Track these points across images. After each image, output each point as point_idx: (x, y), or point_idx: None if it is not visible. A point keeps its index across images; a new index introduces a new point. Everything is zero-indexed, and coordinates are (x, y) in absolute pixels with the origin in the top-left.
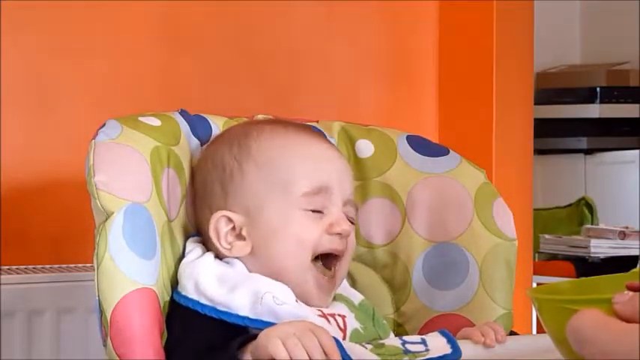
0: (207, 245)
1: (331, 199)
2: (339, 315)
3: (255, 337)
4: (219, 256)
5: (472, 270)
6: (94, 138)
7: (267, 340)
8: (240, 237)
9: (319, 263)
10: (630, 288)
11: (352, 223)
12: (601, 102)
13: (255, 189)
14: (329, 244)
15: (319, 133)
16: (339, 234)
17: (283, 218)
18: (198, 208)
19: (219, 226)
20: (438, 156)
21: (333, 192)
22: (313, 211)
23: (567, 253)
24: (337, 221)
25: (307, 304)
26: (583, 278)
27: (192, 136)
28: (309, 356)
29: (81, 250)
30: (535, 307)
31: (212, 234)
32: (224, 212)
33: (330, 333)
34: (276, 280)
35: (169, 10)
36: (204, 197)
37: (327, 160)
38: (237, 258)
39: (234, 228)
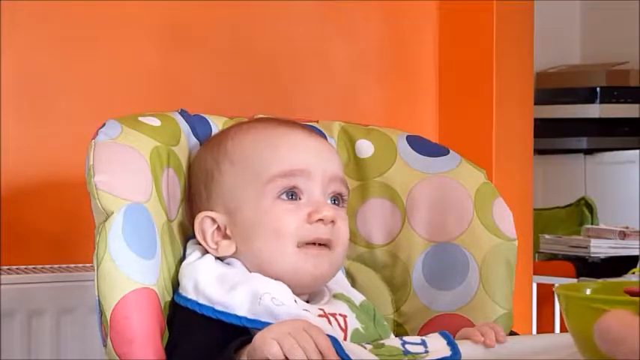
0: None
1: (309, 182)
2: (340, 315)
3: (252, 339)
4: (220, 258)
5: (472, 270)
6: (93, 138)
7: (263, 342)
8: (226, 236)
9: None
10: (629, 292)
11: (343, 198)
12: (601, 102)
13: (232, 186)
14: (313, 234)
15: (303, 125)
16: (321, 220)
17: (258, 212)
18: (193, 210)
19: (204, 227)
20: (438, 156)
21: (311, 173)
22: (288, 195)
23: (567, 253)
24: (317, 208)
25: (308, 291)
26: (609, 281)
27: (192, 136)
28: (306, 356)
29: (81, 250)
30: (561, 304)
31: (198, 235)
32: (207, 213)
33: (324, 332)
34: (270, 276)
35: (170, 10)
36: (193, 200)
37: (302, 144)
38: (236, 258)
39: (219, 228)
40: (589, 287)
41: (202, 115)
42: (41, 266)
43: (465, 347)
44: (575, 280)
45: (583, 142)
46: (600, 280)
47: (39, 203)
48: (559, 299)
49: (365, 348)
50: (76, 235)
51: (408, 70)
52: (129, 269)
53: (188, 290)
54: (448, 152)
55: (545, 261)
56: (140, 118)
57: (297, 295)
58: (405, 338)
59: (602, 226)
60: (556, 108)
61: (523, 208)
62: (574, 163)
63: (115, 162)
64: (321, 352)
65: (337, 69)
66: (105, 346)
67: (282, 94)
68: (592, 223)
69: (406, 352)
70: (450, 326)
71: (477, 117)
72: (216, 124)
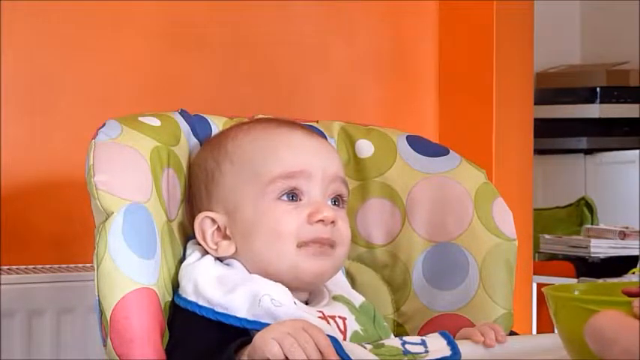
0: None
1: (310, 183)
2: (340, 317)
3: (252, 339)
4: (220, 258)
5: (472, 270)
6: (93, 138)
7: (263, 342)
8: (226, 237)
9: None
10: (627, 293)
11: (343, 199)
12: (601, 102)
13: (232, 187)
14: (314, 234)
15: (303, 126)
16: (321, 221)
17: (258, 212)
18: (193, 210)
19: (204, 227)
20: (438, 156)
21: (311, 174)
22: (289, 197)
23: (567, 253)
24: (317, 209)
25: (308, 289)
26: (598, 282)
27: (192, 136)
28: (306, 356)
29: (81, 250)
30: (550, 305)
31: (198, 235)
32: (207, 213)
33: (324, 332)
34: (269, 277)
35: (170, 10)
36: (193, 200)
37: (302, 145)
38: (236, 259)
39: (219, 228)
40: (577, 288)
41: (202, 115)
42: (41, 266)
43: (465, 347)
44: (575, 280)
45: (583, 142)
46: (593, 282)
47: (39, 203)
48: (547, 300)
49: (365, 348)
50: (76, 235)
51: (408, 70)
52: (129, 269)
53: (188, 292)
54: (448, 152)
55: (545, 261)
56: (140, 118)
57: (297, 294)
58: (405, 338)
59: (602, 226)
60: (556, 108)
61: (523, 208)
62: (574, 163)
63: (115, 162)
64: (321, 352)
65: (337, 69)
66: (105, 346)
67: (282, 94)
68: (592, 223)
69: (406, 352)
70: (450, 326)
71: (477, 117)
72: (216, 124)
